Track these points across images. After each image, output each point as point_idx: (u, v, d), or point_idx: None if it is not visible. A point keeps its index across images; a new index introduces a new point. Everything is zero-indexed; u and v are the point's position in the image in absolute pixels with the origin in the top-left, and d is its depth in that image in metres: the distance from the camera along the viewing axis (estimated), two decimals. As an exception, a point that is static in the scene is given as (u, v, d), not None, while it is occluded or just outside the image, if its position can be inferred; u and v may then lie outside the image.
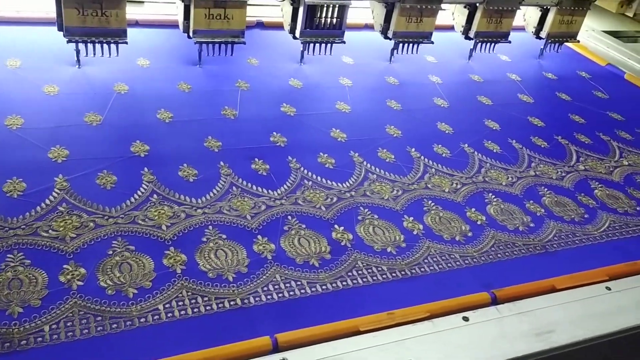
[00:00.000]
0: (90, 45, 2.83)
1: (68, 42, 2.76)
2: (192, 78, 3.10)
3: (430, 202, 2.47)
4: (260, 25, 3.81)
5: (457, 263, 2.15)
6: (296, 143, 2.70)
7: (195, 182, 2.32)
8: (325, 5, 3.14)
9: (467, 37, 3.77)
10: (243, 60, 3.36)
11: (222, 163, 2.46)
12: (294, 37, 3.23)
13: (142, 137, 2.53)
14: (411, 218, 2.35)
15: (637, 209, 2.64)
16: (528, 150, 2.98)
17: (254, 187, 2.35)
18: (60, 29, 2.71)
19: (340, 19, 3.19)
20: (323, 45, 3.31)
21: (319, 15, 3.15)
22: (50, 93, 2.73)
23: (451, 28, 4.00)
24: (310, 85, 3.29)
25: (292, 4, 3.14)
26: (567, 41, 4.14)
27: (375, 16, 3.51)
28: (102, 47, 2.85)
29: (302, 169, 2.52)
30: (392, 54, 3.68)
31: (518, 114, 3.38)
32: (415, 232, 2.27)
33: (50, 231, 1.94)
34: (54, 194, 2.11)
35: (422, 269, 2.09)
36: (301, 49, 3.38)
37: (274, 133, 2.74)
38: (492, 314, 1.85)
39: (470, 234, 2.30)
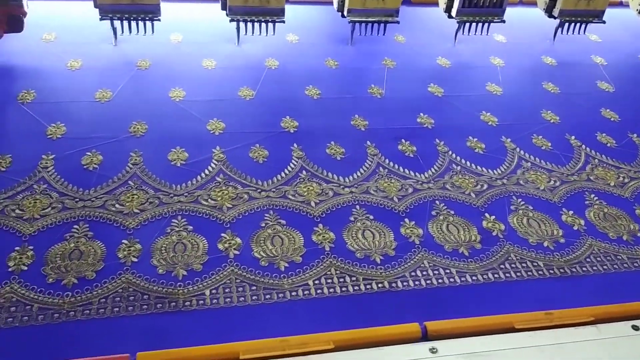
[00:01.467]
0: (249, 24, 2.91)
1: (231, 21, 2.87)
2: (340, 55, 3.10)
3: (593, 195, 2.26)
4: (408, 2, 3.71)
5: (625, 265, 1.95)
6: (444, 125, 2.60)
7: (342, 161, 2.32)
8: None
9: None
10: (390, 38, 3.30)
11: (368, 142, 2.44)
12: (449, 16, 3.08)
13: (292, 112, 2.58)
14: (571, 212, 2.16)
15: None
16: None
17: (401, 169, 2.30)
18: (223, 8, 2.83)
19: None
20: (480, 24, 3.11)
21: None
22: (208, 67, 2.87)
23: (619, 4, 3.59)
24: (460, 64, 3.15)
25: None
26: None
27: None
28: (260, 25, 2.94)
29: (450, 152, 2.42)
30: (555, 33, 3.40)
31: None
32: (575, 228, 2.09)
33: (209, 200, 2.04)
34: (212, 164, 2.22)
35: (584, 269, 1.92)
36: (456, 28, 3.22)
37: (421, 114, 2.66)
38: None
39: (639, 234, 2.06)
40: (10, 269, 1.71)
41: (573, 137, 2.61)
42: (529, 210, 2.16)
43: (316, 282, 1.78)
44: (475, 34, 3.20)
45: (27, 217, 1.89)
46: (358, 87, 2.85)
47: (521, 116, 2.75)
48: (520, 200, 2.20)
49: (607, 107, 2.87)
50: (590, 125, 2.72)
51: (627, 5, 3.58)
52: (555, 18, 3.25)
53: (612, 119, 2.79)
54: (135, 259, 1.79)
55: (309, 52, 3.12)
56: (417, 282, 1.81)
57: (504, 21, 3.12)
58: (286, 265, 1.83)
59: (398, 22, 3.00)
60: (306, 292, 1.75)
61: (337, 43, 3.22)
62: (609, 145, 2.58)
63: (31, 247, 1.78)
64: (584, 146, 2.55)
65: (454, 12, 3.04)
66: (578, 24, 3.29)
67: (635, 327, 1.65)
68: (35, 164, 2.11)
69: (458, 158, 2.40)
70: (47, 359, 1.50)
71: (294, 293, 1.74)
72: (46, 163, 2.12)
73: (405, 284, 1.80)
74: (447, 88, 2.91)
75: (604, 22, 3.30)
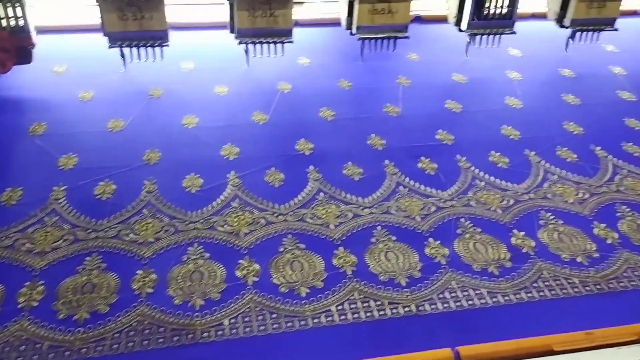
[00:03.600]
0: (258, 46, 2.89)
1: (239, 43, 2.85)
2: (353, 75, 3.05)
3: (624, 207, 2.16)
4: (419, 19, 3.68)
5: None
6: (464, 141, 2.53)
7: (361, 181, 2.25)
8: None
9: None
10: (403, 56, 3.25)
11: (387, 161, 2.37)
12: (460, 30, 3.04)
13: (306, 135, 2.52)
14: (603, 225, 2.06)
15: None
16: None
17: (422, 187, 2.22)
18: (232, 31, 2.81)
19: (511, 8, 2.94)
20: (491, 37, 3.06)
21: (487, 5, 2.92)
22: (220, 93, 2.84)
23: (633, 13, 3.53)
24: (476, 79, 3.08)
25: None
26: None
27: (549, 2, 3.20)
28: (268, 47, 2.91)
29: (472, 168, 2.34)
30: (567, 42, 3.34)
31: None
32: (609, 241, 1.99)
33: (225, 226, 1.98)
34: (227, 190, 2.16)
35: (622, 284, 1.81)
36: (467, 41, 3.18)
37: (440, 130, 2.59)
38: None
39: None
40: (20, 305, 1.65)
41: (599, 148, 2.51)
42: (558, 224, 2.06)
43: (339, 307, 1.70)
44: (487, 46, 3.13)
45: (38, 251, 1.83)
46: (373, 106, 2.80)
47: (543, 128, 2.67)
48: (549, 214, 2.11)
49: (631, 117, 2.78)
50: (615, 135, 2.63)
51: (635, 14, 3.52)
52: (567, 28, 3.19)
53: (636, 128, 2.69)
54: (150, 290, 1.72)
55: (321, 73, 3.08)
56: (446, 305, 1.72)
57: (514, 32, 3.06)
58: (307, 291, 1.75)
59: (408, 37, 2.95)
60: (329, 319, 1.66)
61: (349, 62, 3.19)
62: (636, 154, 2.48)
63: (42, 282, 1.72)
64: (610, 156, 2.46)
65: (463, 26, 2.99)
66: (591, 33, 3.22)
67: (682, 345, 1.53)
68: (46, 196, 2.07)
69: (481, 174, 2.31)
70: (59, 398, 1.42)
71: (316, 320, 1.65)
72: (57, 194, 2.08)
73: (433, 306, 1.71)
74: (465, 103, 2.84)
75: (616, 29, 3.24)
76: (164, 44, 2.80)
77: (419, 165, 2.35)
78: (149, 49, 2.84)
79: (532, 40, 3.49)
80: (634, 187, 2.27)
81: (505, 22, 3.00)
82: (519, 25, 3.24)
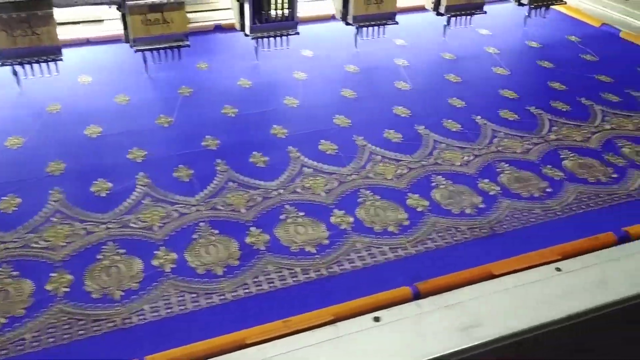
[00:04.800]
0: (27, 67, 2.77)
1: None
2: (133, 89, 3.00)
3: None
4: (219, 28, 3.70)
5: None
6: (230, 145, 2.54)
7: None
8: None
9: (439, 14, 3.52)
10: (192, 66, 3.25)
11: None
12: (245, 35, 3.12)
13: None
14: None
15: (613, 176, 2.37)
16: (494, 125, 2.72)
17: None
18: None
19: (292, 10, 3.06)
20: (278, 38, 3.15)
21: (266, 9, 3.01)
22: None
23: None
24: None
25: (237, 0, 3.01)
26: (552, 4, 3.85)
27: (334, 2, 3.37)
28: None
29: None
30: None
31: (489, 89, 3.11)
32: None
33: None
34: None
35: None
36: (255, 45, 3.24)
37: (207, 137, 2.59)
38: (411, 311, 1.63)
39: (407, 223, 2.07)
40: None
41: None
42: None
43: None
44: (276, 49, 3.22)
45: (-55, 267, 1.80)
46: (146, 119, 2.74)
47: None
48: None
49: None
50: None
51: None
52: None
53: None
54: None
55: (99, 90, 3.00)
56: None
57: (297, 33, 3.15)
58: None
59: (188, 46, 2.97)
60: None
61: (133, 76, 3.12)
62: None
63: (-48, 295, 1.70)
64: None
65: (247, 30, 3.07)
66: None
67: (376, 319, 1.63)
68: (-53, 216, 2.02)
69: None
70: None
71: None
72: (-41, 213, 2.04)
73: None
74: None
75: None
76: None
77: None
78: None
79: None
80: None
81: (288, 23, 3.10)
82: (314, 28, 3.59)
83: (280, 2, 3.10)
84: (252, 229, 2.02)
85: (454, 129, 2.69)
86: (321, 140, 2.57)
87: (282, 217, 2.09)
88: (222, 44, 3.62)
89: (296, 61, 3.37)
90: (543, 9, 3.89)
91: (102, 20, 3.66)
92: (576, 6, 4.29)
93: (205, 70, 3.26)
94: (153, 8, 2.84)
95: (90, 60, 3.31)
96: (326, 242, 1.98)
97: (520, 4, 3.84)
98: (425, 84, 3.18)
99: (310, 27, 3.70)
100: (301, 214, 2.10)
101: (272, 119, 2.75)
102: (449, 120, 2.75)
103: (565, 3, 3.96)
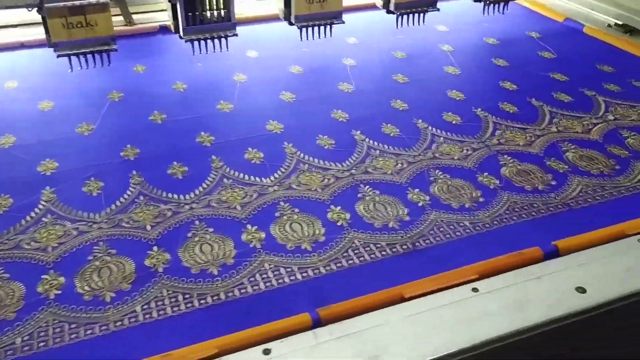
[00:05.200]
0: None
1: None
2: (60, 95, 2.86)
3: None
4: (164, 29, 3.52)
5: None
6: (149, 155, 2.40)
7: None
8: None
9: (389, 12, 3.31)
10: (129, 69, 3.10)
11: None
12: (180, 37, 2.91)
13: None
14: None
15: (552, 183, 2.23)
16: (433, 129, 2.57)
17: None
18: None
19: (228, 10, 2.86)
20: (216, 41, 2.92)
21: (201, 10, 2.80)
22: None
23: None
24: (198, 87, 2.98)
25: (169, 0, 2.79)
26: None
27: (277, 2, 3.16)
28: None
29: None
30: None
31: (440, 88, 2.96)
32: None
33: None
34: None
35: (243, 290, 1.74)
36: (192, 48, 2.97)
37: (127, 146, 2.44)
38: (306, 342, 1.47)
39: (323, 239, 1.93)
40: None
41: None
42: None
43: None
44: (215, 52, 2.96)
45: None
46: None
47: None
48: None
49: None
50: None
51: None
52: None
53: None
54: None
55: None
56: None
57: (236, 34, 2.92)
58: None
59: (115, 50, 2.72)
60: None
61: (56, 82, 2.98)
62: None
63: None
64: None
65: (181, 32, 2.87)
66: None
67: (266, 351, 1.48)
68: None
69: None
70: None
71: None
72: None
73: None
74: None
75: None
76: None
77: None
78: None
79: (267, 42, 3.51)
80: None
81: (225, 24, 2.88)
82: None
83: (215, 2, 2.94)
84: (155, 248, 1.87)
85: (393, 134, 2.54)
86: (248, 149, 2.42)
87: (189, 234, 1.94)
88: (165, 45, 3.47)
89: (239, 62, 3.22)
90: (502, 4, 3.73)
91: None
92: (541, 1, 4.15)
93: (141, 73, 3.10)
94: (74, 11, 2.67)
95: (22, 64, 3.17)
96: (231, 261, 1.83)
97: (477, 0, 3.68)
98: (371, 85, 3.03)
99: (255, 27, 3.56)
100: (210, 230, 1.95)
101: (200, 126, 2.59)
102: (388, 125, 2.60)
103: (529, -3, 3.82)
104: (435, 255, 1.85)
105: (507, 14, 3.78)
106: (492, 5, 3.69)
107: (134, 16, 3.72)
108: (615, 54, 3.41)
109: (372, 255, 1.85)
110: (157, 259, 1.82)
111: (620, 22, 3.69)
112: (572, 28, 3.79)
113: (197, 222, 1.99)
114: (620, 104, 2.81)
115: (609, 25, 3.71)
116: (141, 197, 2.11)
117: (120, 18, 3.70)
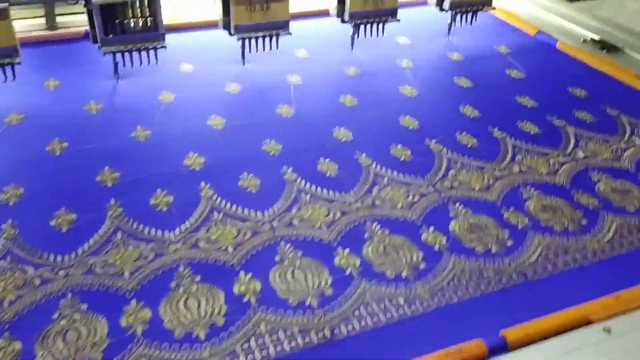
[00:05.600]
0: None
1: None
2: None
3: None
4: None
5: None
6: (37, 192, 2.10)
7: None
8: (129, 2, 2.49)
9: (343, 21, 3.14)
10: (37, 84, 2.75)
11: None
12: (99, 48, 2.64)
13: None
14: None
15: (508, 243, 1.94)
16: (378, 166, 2.26)
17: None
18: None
19: (154, 18, 2.58)
20: (144, 53, 2.69)
21: (122, 18, 2.54)
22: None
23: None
24: (113, 108, 2.64)
25: (85, 6, 2.53)
26: (480, 9, 3.39)
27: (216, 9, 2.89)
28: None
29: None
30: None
31: (391, 114, 2.64)
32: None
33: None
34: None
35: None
36: (115, 62, 2.77)
37: (10, 185, 2.11)
38: None
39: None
40: None
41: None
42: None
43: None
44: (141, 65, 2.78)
45: None
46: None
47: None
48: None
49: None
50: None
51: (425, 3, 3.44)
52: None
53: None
54: None
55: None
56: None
57: (164, 47, 2.72)
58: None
59: (19, 64, 2.51)
60: None
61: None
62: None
63: None
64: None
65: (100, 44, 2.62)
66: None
67: None
68: None
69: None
70: None
71: None
72: None
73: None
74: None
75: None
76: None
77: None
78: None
79: (203, 52, 3.17)
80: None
81: (151, 34, 2.61)
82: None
83: (140, 9, 2.55)
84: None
85: (330, 173, 2.19)
86: (157, 190, 2.04)
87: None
88: (88, 55, 3.00)
89: (168, 79, 2.82)
90: (471, 15, 3.39)
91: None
92: (514, 11, 3.81)
93: (51, 90, 2.70)
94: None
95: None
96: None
97: (442, 10, 3.33)
98: (314, 107, 2.67)
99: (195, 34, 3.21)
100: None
101: (105, 159, 2.22)
102: (326, 160, 2.26)
103: (495, 9, 3.47)
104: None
105: (476, 25, 3.48)
106: (460, 15, 3.38)
107: (59, 18, 3.29)
108: (589, 75, 3.11)
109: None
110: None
111: (597, 38, 3.35)
112: (544, 43, 3.49)
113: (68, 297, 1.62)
114: (592, 138, 2.49)
115: (584, 41, 3.40)
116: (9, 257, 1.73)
117: (42, 20, 3.30)
